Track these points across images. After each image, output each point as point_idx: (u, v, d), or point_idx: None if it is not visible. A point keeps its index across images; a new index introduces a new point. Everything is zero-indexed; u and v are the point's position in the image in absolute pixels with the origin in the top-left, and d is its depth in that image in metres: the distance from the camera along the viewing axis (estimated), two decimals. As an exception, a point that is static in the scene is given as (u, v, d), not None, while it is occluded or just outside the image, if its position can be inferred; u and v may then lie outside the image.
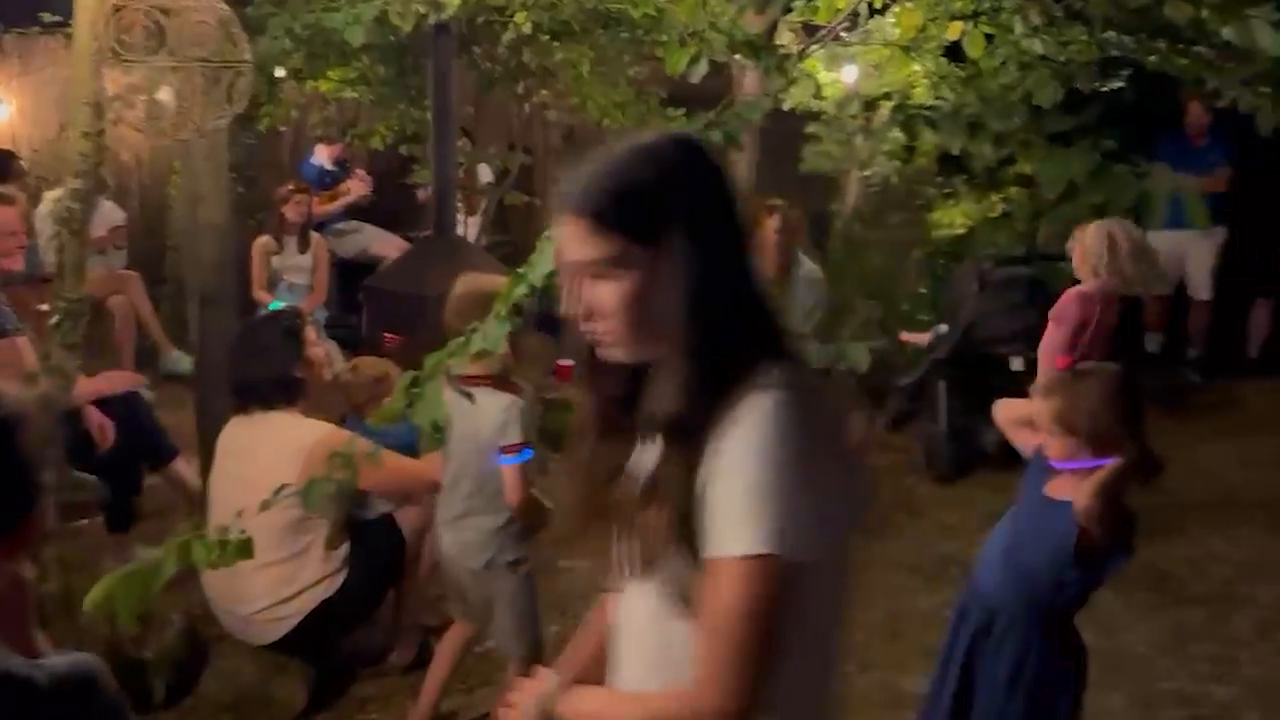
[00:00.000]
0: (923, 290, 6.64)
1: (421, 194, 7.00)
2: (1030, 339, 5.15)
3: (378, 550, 3.30)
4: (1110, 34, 4.29)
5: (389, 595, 3.45)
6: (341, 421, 3.57)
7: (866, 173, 7.47)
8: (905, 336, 5.96)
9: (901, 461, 5.40)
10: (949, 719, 2.55)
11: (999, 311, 5.20)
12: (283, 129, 7.16)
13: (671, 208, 1.31)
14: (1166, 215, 2.85)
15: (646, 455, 1.37)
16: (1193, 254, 6.75)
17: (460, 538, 2.91)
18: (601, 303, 1.34)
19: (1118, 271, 4.05)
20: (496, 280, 2.94)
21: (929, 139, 3.40)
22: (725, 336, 1.31)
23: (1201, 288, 6.84)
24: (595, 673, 1.51)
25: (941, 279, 6.15)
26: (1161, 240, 6.70)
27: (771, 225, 5.49)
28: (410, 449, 3.07)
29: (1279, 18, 3.13)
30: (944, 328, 5.49)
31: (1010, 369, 5.08)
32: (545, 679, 1.49)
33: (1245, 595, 4.05)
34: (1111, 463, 2.26)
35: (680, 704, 1.30)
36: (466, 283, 2.99)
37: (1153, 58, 4.10)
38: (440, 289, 4.66)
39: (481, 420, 2.81)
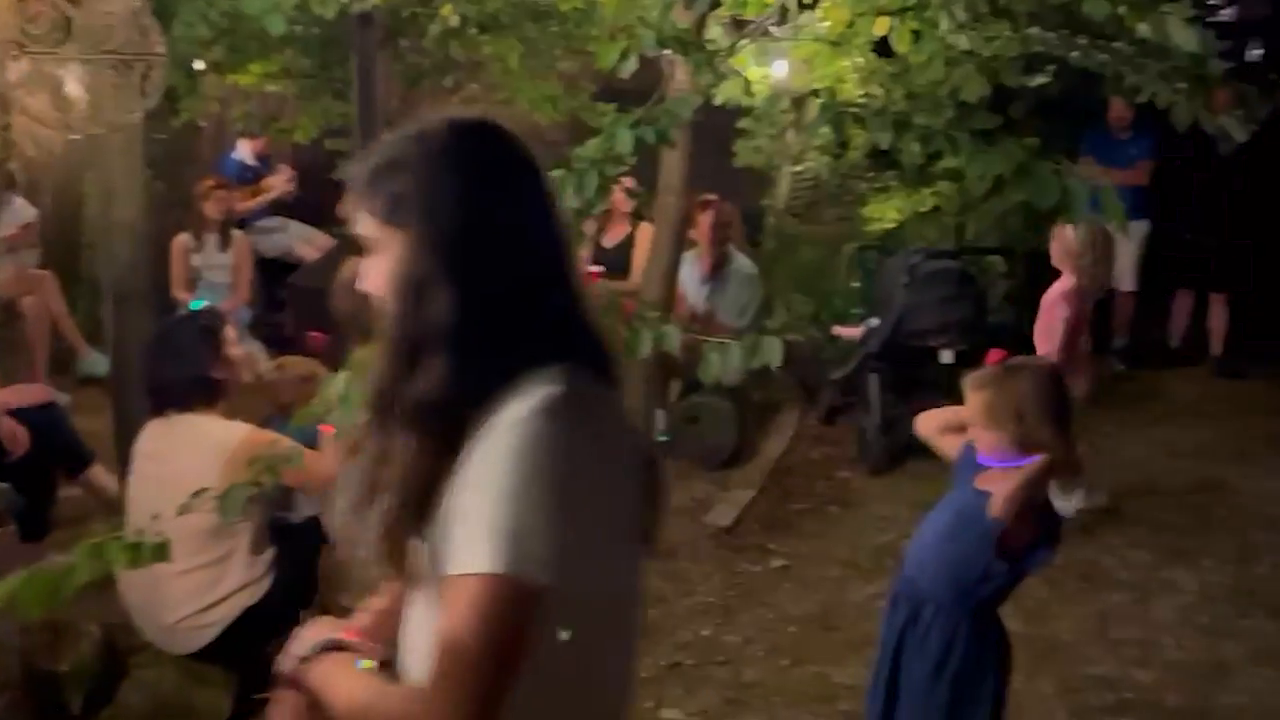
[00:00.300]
0: (855, 284, 6.71)
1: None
2: (960, 331, 5.28)
3: (304, 555, 3.25)
4: (1034, 30, 4.38)
5: (316, 601, 3.39)
6: (266, 423, 3.51)
7: (799, 168, 7.54)
8: (838, 330, 6.03)
9: (836, 455, 5.47)
10: (883, 709, 2.59)
11: (928, 304, 5.28)
12: (203, 123, 7.01)
13: (422, 195, 1.27)
14: (1086, 210, 2.94)
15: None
16: (1117, 246, 6.92)
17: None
18: (370, 281, 1.32)
19: (1098, 271, 4.37)
20: None
21: (857, 135, 3.43)
22: (490, 332, 1.25)
23: (1126, 279, 7.02)
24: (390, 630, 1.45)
25: (873, 273, 6.22)
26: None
27: (705, 220, 5.54)
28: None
29: (1193, 14, 3.22)
30: (875, 321, 5.56)
31: (940, 361, 5.17)
32: (322, 629, 1.45)
33: (1167, 581, 4.17)
34: (1033, 462, 2.31)
35: (405, 711, 1.23)
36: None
37: (1074, 54, 4.18)
38: (367, 287, 4.64)
39: None
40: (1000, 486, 2.33)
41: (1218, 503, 4.92)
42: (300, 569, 3.23)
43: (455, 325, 1.25)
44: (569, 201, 2.91)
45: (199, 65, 5.79)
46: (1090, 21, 4.39)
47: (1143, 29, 3.02)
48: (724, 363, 2.69)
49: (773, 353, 2.58)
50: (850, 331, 5.83)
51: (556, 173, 2.96)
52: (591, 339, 1.33)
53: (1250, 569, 4.28)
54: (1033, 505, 2.34)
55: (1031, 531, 2.37)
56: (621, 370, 1.40)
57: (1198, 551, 4.43)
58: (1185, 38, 2.89)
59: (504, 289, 1.27)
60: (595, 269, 6.20)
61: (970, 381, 2.47)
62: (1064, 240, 4.51)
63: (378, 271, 1.31)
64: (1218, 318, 6.86)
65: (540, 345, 1.27)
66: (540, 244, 1.32)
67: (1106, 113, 6.98)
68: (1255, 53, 13.93)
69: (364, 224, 1.32)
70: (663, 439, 5.27)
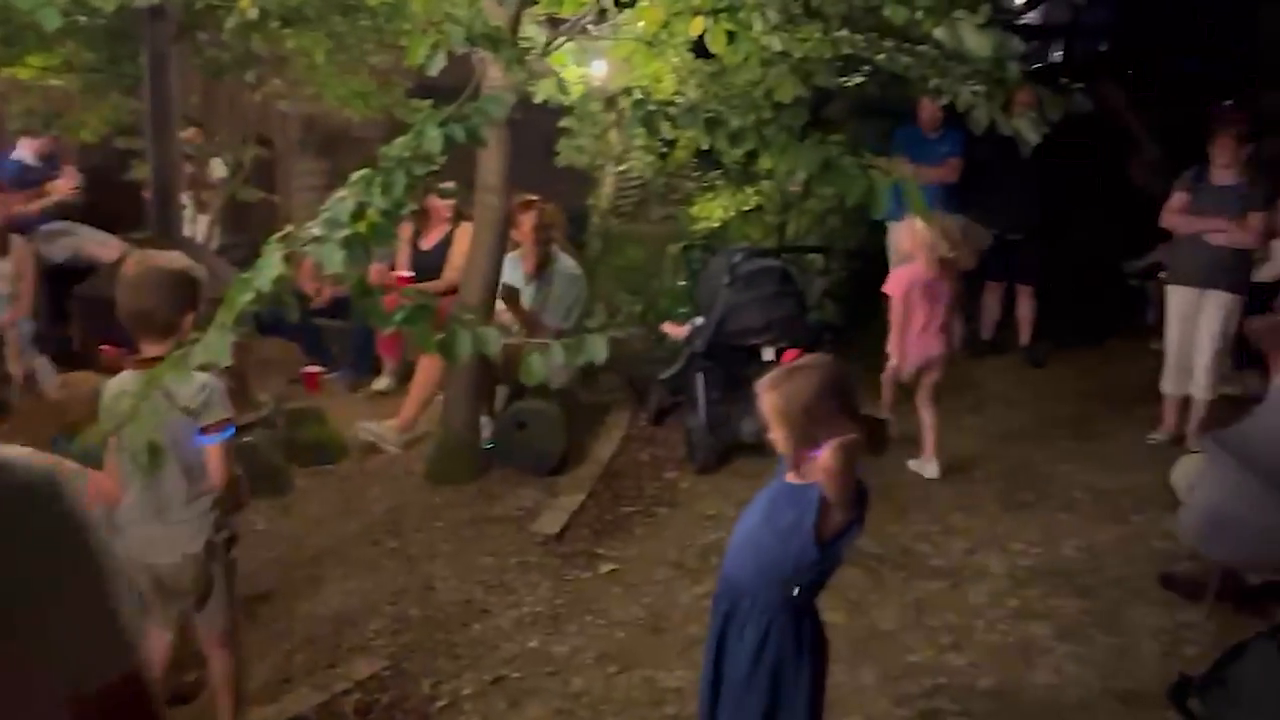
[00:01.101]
0: (681, 284, 6.82)
1: (146, 191, 6.55)
2: (782, 329, 5.42)
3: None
4: (843, 33, 4.54)
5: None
6: (51, 444, 3.29)
7: (623, 167, 7.60)
8: (666, 328, 6.10)
9: (665, 456, 5.52)
10: (709, 708, 2.62)
11: (750, 303, 5.39)
12: (-22, 121, 6.53)
13: None
14: (898, 205, 3.08)
15: None
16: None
17: (166, 531, 2.83)
18: None
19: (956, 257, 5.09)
20: (173, 258, 2.88)
21: (668, 134, 3.47)
22: None
23: (938, 275, 7.35)
24: None
25: (698, 272, 6.32)
26: (897, 231, 7.16)
27: (528, 221, 5.51)
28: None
29: (990, 19, 3.40)
30: (700, 320, 5.64)
31: (763, 359, 5.29)
32: None
33: (980, 566, 4.38)
34: (839, 440, 2.37)
35: None
36: (140, 262, 2.86)
37: (881, 56, 4.36)
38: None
39: (175, 403, 2.72)
40: (818, 467, 2.38)
41: (1025, 487, 5.20)
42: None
43: None
44: (377, 201, 2.84)
45: (-32, 58, 5.40)
46: (900, 25, 4.59)
47: (938, 33, 3.16)
48: (547, 364, 2.68)
49: (597, 350, 2.58)
50: (677, 331, 5.91)
51: (362, 172, 2.89)
52: None
53: (1056, 551, 4.54)
54: (851, 481, 2.41)
55: (847, 511, 2.44)
56: None
57: (1008, 536, 4.67)
58: (978, 43, 3.05)
59: None
60: (406, 274, 6.10)
61: (760, 385, 2.54)
62: (918, 230, 5.12)
63: None
64: (1024, 309, 7.26)
65: None
66: None
67: (918, 113, 7.28)
68: (1056, 54, 14.84)
69: None
70: (488, 447, 5.22)
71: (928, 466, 5.32)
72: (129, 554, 2.84)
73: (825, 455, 2.36)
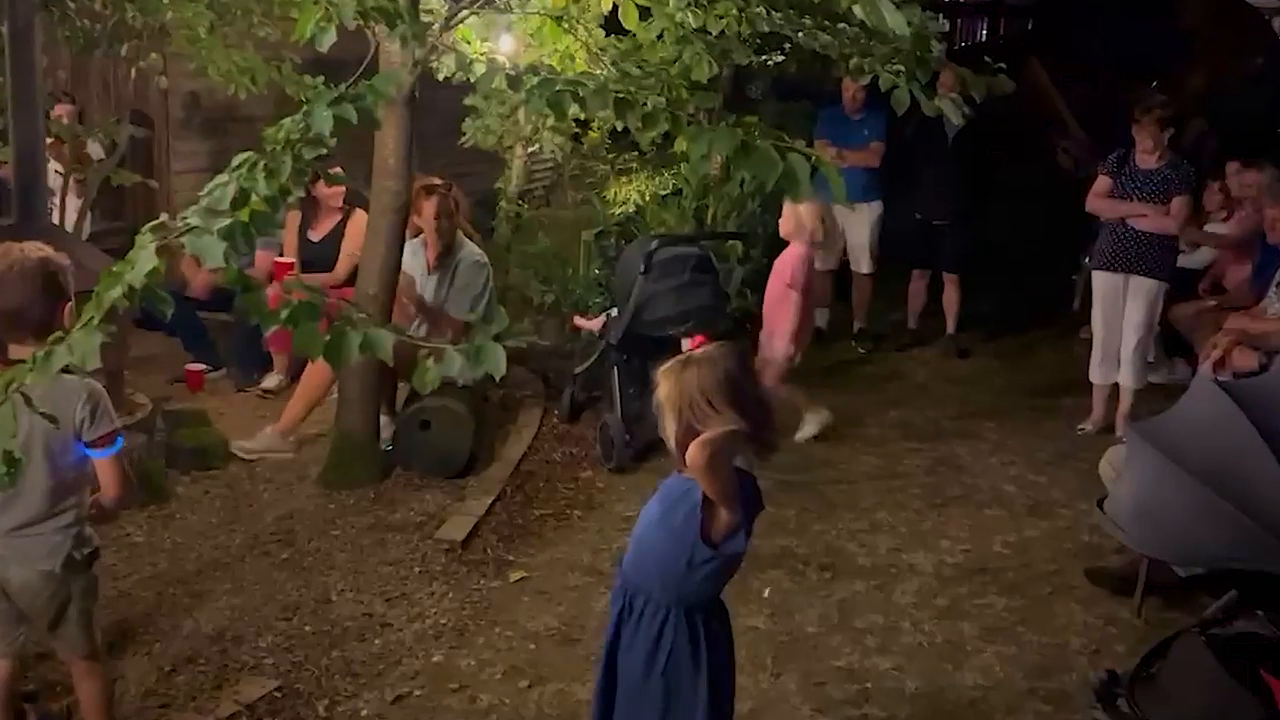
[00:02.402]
0: (596, 272, 6.78)
1: (4, 173, 6.30)
2: (700, 318, 5.42)
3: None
4: (759, 10, 4.55)
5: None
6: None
7: (532, 149, 7.53)
8: (578, 322, 6.07)
9: (580, 454, 5.49)
10: (601, 712, 2.60)
11: (666, 292, 5.39)
12: None
13: None
14: (820, 189, 3.11)
15: None
16: (852, 228, 7.34)
17: (24, 547, 2.75)
18: None
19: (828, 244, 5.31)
20: (30, 248, 2.81)
21: (577, 115, 3.43)
22: None
23: (862, 261, 7.45)
24: None
25: (614, 260, 6.30)
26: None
27: (430, 208, 5.41)
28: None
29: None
30: (615, 311, 5.62)
31: (681, 351, 5.28)
32: None
33: (907, 565, 4.44)
34: (705, 434, 2.37)
35: None
36: (7, 256, 2.77)
37: (800, 34, 4.37)
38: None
39: (54, 414, 2.58)
40: (688, 461, 2.37)
41: (951, 483, 5.29)
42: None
43: None
44: (260, 188, 2.76)
45: None
46: (822, 3, 4.62)
47: (857, 11, 3.18)
48: (442, 372, 2.62)
49: (496, 361, 2.52)
50: (591, 323, 5.88)
51: (245, 155, 2.80)
52: None
53: (984, 547, 4.63)
54: (727, 475, 2.40)
55: (734, 515, 2.44)
56: None
57: (934, 533, 4.74)
58: (896, 20, 3.07)
59: None
60: (286, 260, 5.96)
61: (657, 375, 2.53)
62: (797, 214, 5.36)
63: None
64: (950, 298, 7.38)
65: None
66: None
67: (840, 93, 7.34)
68: (980, 33, 15.13)
69: None
70: (389, 448, 5.13)
71: (807, 426, 5.68)
72: None
73: (690, 450, 2.36)
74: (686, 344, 5.36)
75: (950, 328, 7.40)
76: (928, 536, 4.71)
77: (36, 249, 2.80)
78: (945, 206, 7.15)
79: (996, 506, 5.04)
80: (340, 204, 6.19)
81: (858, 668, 3.70)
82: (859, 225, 7.31)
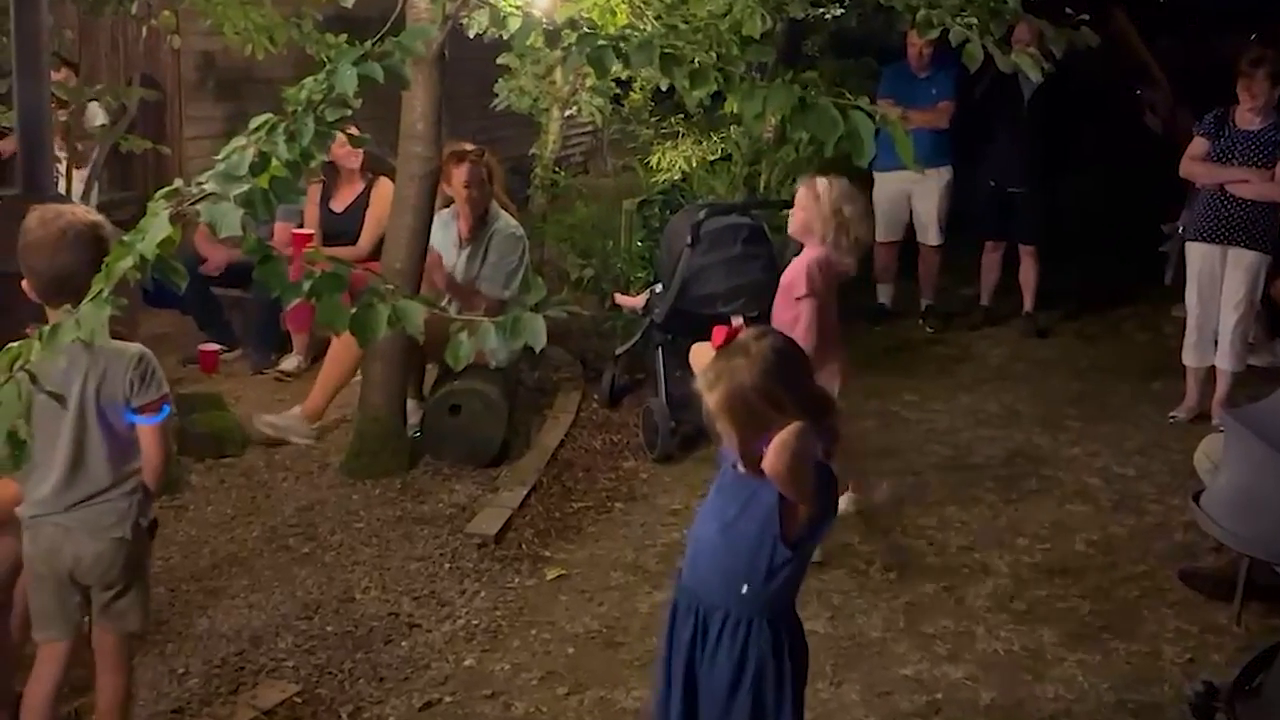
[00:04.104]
0: (639, 245, 6.75)
1: (7, 142, 6.38)
2: (752, 295, 5.39)
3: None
4: (819, -44, 4.50)
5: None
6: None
7: (570, 112, 7.50)
8: (619, 299, 6.05)
9: (621, 442, 5.49)
10: None
11: (715, 266, 5.35)
12: None
13: None
14: (884, 153, 3.05)
15: None
16: (918, 196, 7.26)
17: (93, 518, 2.84)
18: None
19: (853, 235, 4.33)
20: (80, 211, 2.91)
21: (620, 73, 3.40)
22: None
23: (930, 232, 7.37)
24: None
25: (658, 232, 6.27)
26: (885, 181, 7.17)
27: (461, 175, 5.41)
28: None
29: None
30: (660, 287, 5.59)
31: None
32: None
33: (980, 565, 4.40)
34: (780, 435, 2.34)
35: None
36: (49, 219, 2.84)
37: (863, -18, 4.31)
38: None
39: (106, 380, 2.79)
40: (766, 468, 2.34)
41: (1029, 475, 5.23)
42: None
43: None
44: (281, 152, 2.75)
45: None
46: (886, -53, 4.55)
47: (929, -46, 3.12)
48: (477, 346, 2.61)
49: (535, 333, 2.52)
50: (633, 300, 5.86)
51: (264, 118, 2.80)
52: None
53: (1065, 546, 4.57)
54: (809, 469, 2.37)
55: (809, 502, 2.41)
56: None
57: (1011, 530, 4.69)
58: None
59: None
60: (305, 231, 5.97)
61: (698, 376, 2.50)
62: (809, 203, 4.33)
63: None
64: (1027, 272, 7.30)
65: None
66: None
67: (906, 49, 7.26)
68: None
69: None
70: (416, 435, 5.14)
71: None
72: (39, 553, 2.84)
73: (768, 457, 2.32)
74: (737, 321, 5.34)
75: (1027, 305, 7.33)
76: (1003, 534, 4.65)
77: (86, 213, 2.88)
78: (1021, 172, 7.07)
79: (1079, 501, 4.97)
80: (358, 166, 6.19)
81: (926, 677, 3.66)
82: (926, 193, 7.24)
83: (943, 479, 5.17)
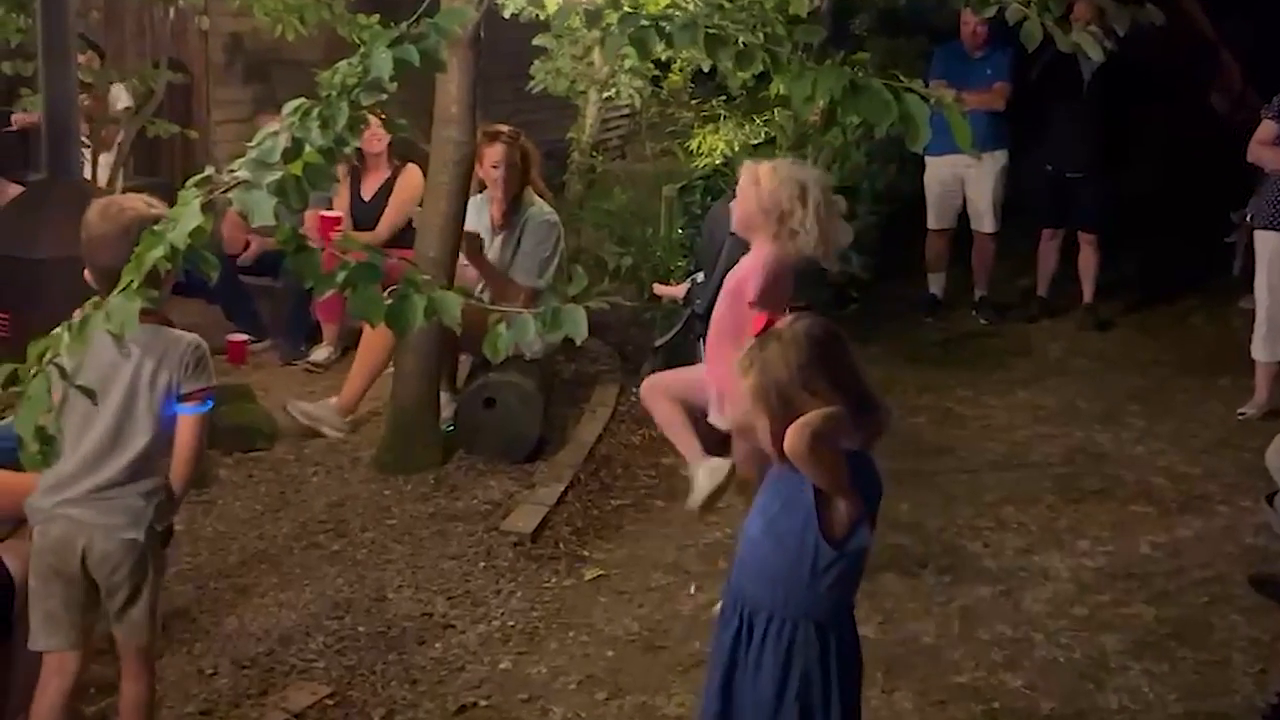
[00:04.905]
0: (679, 232, 6.74)
1: (30, 125, 6.45)
2: (799, 286, 5.35)
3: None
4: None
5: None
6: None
7: (608, 94, 7.50)
8: (659, 289, 6.03)
9: (661, 437, 5.44)
10: None
11: (760, 255, 5.31)
12: None
13: None
14: (936, 137, 3.01)
15: None
16: (972, 181, 7.20)
17: (106, 511, 2.85)
18: None
19: (815, 232, 3.76)
20: (141, 201, 2.95)
21: (662, 54, 3.39)
22: None
23: (984, 219, 7.31)
24: None
25: (699, 218, 6.25)
26: (937, 167, 7.12)
27: (492, 157, 5.40)
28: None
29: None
30: (701, 276, 5.57)
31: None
32: None
33: (1039, 568, 4.36)
34: (802, 418, 2.31)
35: None
36: (110, 209, 2.90)
37: (915, -42, 4.27)
38: (61, 249, 4.32)
39: (164, 364, 2.83)
40: (787, 451, 2.32)
41: (1090, 474, 5.19)
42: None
43: None
44: (315, 138, 2.76)
45: None
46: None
47: (987, -74, 3.08)
48: (515, 337, 2.61)
49: (576, 324, 2.51)
50: (673, 290, 5.83)
51: (298, 103, 2.81)
52: None
53: (1129, 549, 4.52)
54: (835, 459, 2.35)
55: (854, 504, 2.39)
56: None
57: (1071, 532, 4.65)
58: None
59: None
60: (333, 214, 5.97)
61: (734, 366, 2.48)
62: (749, 193, 3.80)
63: None
64: (1087, 261, 7.23)
65: None
66: None
67: (959, 28, 7.20)
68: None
69: None
70: (450, 429, 5.15)
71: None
72: (49, 545, 2.85)
73: (788, 436, 2.30)
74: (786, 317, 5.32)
75: (1087, 296, 7.27)
76: (1063, 536, 4.61)
77: (148, 205, 2.91)
78: (1081, 156, 7.00)
79: (1143, 502, 4.93)
80: (384, 152, 6.20)
81: (983, 685, 3.64)
82: (980, 178, 7.18)
83: (999, 478, 5.12)
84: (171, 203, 2.58)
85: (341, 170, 6.14)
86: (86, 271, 2.88)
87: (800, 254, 3.81)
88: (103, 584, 2.89)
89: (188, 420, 2.88)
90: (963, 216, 7.38)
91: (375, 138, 6.07)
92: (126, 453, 2.85)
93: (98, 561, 2.86)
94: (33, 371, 2.39)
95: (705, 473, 4.01)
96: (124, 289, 2.45)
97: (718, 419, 3.99)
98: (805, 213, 3.74)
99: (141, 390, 2.83)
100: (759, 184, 3.78)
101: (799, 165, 3.93)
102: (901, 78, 3.02)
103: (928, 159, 7.09)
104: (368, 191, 6.27)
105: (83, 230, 2.89)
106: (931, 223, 7.37)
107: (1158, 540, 4.59)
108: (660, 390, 4.22)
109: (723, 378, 3.74)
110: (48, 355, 2.38)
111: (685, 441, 4.12)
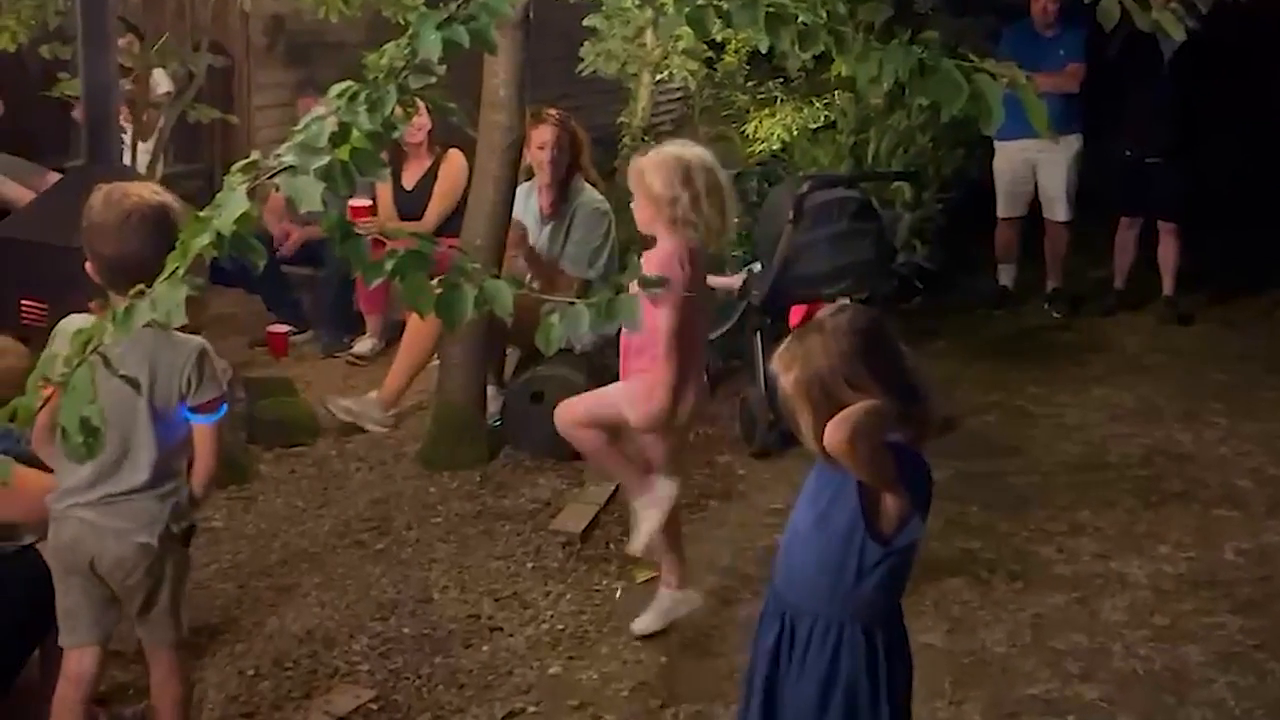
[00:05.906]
0: (735, 221, 6.73)
1: (76, 111, 6.55)
2: (859, 276, 5.36)
3: (14, 596, 3.07)
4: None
5: (33, 654, 3.20)
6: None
7: (661, 76, 7.50)
8: (714, 280, 6.02)
9: (716, 435, 5.47)
10: None
11: (819, 244, 5.32)
12: None
13: None
14: (1007, 120, 2.97)
15: None
16: (1045, 167, 7.14)
17: (120, 516, 2.86)
18: None
19: (709, 215, 3.62)
20: (148, 190, 2.94)
21: (719, 34, 3.37)
22: None
23: (1058, 207, 7.24)
24: None
25: (756, 206, 6.24)
26: (1008, 151, 7.06)
27: (539, 139, 5.40)
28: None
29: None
30: (758, 266, 5.57)
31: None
32: None
33: (1116, 575, 4.32)
34: (843, 411, 2.30)
35: None
36: (115, 198, 2.86)
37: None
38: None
39: (160, 373, 2.82)
40: (828, 445, 2.30)
41: (1171, 476, 5.13)
42: (10, 614, 3.06)
43: None
44: (362, 122, 2.78)
45: None
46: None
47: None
48: (568, 328, 2.62)
49: (631, 315, 2.52)
50: (728, 281, 5.83)
51: (345, 85, 2.83)
52: None
53: (1212, 555, 4.47)
54: (880, 454, 2.33)
55: (901, 498, 2.38)
56: None
57: (1151, 537, 4.60)
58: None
59: None
60: (362, 203, 5.94)
61: (774, 361, 2.47)
62: (641, 180, 3.64)
63: None
64: (1167, 251, 7.15)
65: None
66: None
67: (1030, 6, 7.14)
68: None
69: None
70: (497, 424, 5.18)
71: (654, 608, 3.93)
72: (62, 545, 2.88)
73: (828, 429, 2.29)
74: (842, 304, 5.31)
75: (1167, 288, 7.19)
76: (1142, 541, 4.56)
77: (154, 192, 2.91)
78: (1160, 140, 6.92)
79: (1228, 505, 4.87)
80: (423, 140, 6.22)
81: (1057, 697, 3.61)
82: (1053, 163, 7.12)
83: (1073, 480, 5.08)
84: (213, 189, 2.60)
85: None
86: (88, 263, 2.85)
87: (699, 238, 3.62)
88: (117, 588, 2.90)
89: (203, 430, 2.90)
90: (1034, 205, 7.31)
91: (416, 127, 6.11)
92: (136, 463, 2.85)
93: (111, 566, 2.87)
94: (76, 362, 2.44)
95: (653, 517, 3.80)
96: (169, 276, 2.48)
97: (638, 416, 3.76)
98: (692, 194, 3.59)
99: (141, 402, 2.79)
100: (644, 176, 3.65)
101: (682, 146, 3.77)
102: (971, 58, 2.99)
103: (997, 144, 7.03)
104: (410, 181, 6.30)
105: (84, 218, 2.86)
106: (1001, 211, 7.31)
107: (1243, 546, 4.53)
108: (575, 418, 3.94)
109: (635, 374, 3.73)
110: (91, 344, 2.42)
111: (624, 474, 3.96)
